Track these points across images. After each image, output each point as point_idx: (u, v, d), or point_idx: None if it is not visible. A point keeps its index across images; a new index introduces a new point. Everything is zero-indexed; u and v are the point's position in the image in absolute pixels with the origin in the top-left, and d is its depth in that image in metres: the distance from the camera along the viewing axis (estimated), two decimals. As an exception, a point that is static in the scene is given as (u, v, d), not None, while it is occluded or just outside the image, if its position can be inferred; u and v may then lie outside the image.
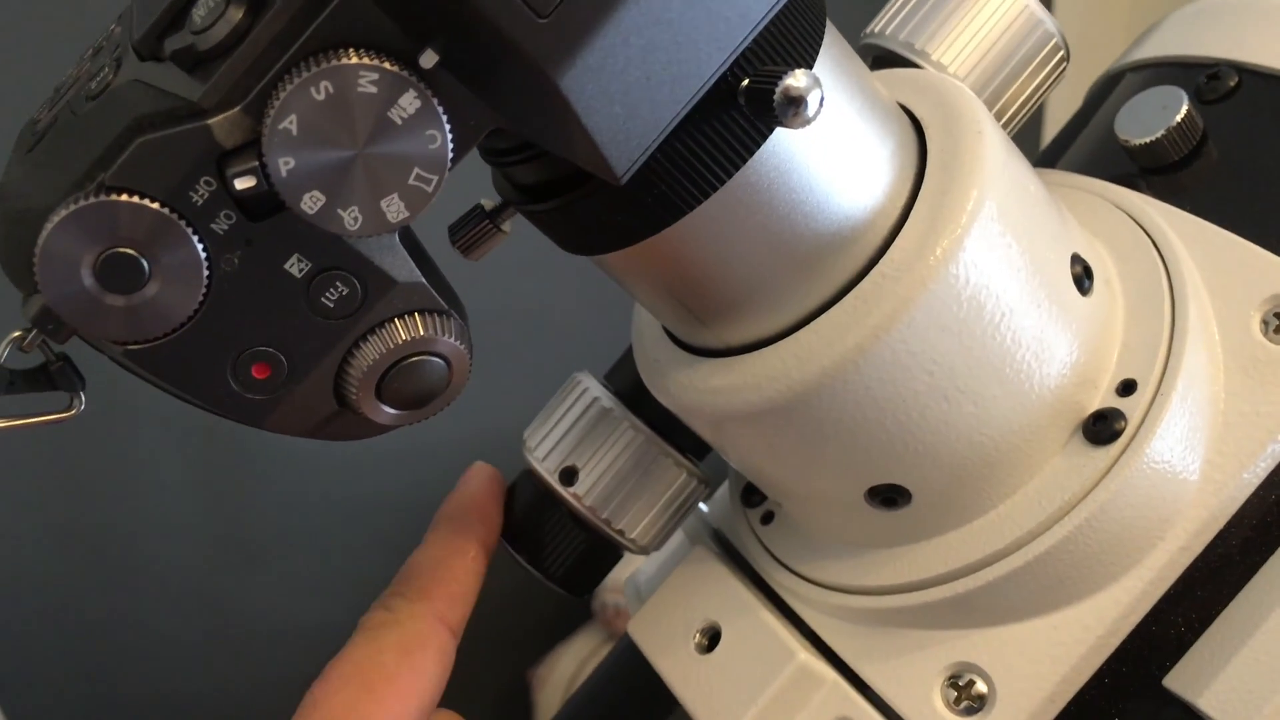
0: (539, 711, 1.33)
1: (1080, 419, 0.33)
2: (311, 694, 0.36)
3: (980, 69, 0.37)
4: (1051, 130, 0.40)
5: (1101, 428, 0.33)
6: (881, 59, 0.39)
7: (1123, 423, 0.33)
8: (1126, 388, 0.33)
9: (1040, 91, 0.39)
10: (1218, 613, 0.33)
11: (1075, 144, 0.44)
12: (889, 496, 0.34)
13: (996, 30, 0.37)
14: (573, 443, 0.40)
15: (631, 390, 0.40)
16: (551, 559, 0.41)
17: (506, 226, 0.35)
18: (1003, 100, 0.38)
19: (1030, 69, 0.38)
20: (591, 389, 0.41)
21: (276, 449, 1.16)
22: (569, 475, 0.40)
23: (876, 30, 0.39)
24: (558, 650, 1.34)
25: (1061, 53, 0.38)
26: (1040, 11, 0.37)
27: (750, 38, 0.27)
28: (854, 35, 0.39)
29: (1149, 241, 0.36)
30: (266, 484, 1.20)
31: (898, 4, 0.39)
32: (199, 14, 0.25)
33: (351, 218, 0.25)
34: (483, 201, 0.35)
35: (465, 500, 0.41)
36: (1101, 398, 0.34)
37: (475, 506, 0.41)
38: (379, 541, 1.21)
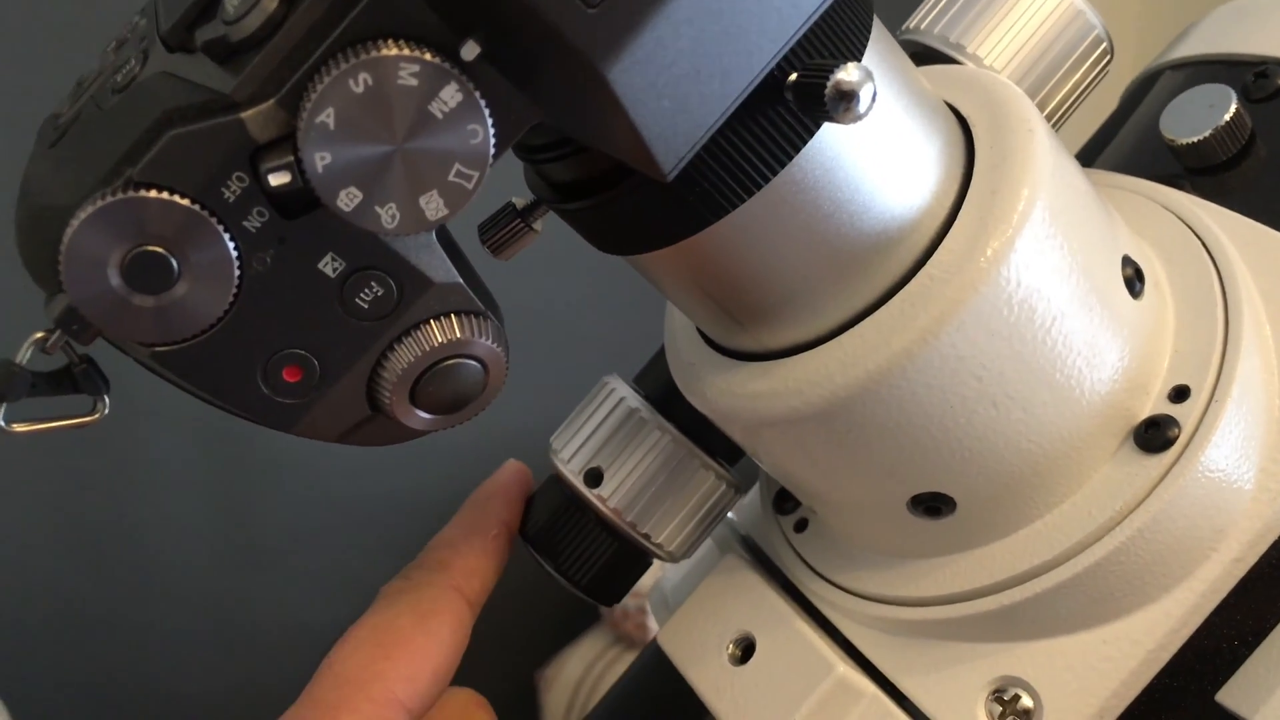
0: (546, 713, 1.32)
1: (1131, 426, 0.32)
2: (328, 657, 0.37)
3: (1026, 69, 0.36)
4: (1070, 130, 0.39)
5: (1154, 435, 0.32)
6: (919, 56, 0.38)
7: (1176, 430, 0.32)
8: (1179, 394, 0.32)
9: (1084, 88, 0.38)
10: (1272, 626, 0.32)
11: (1114, 143, 0.43)
12: (933, 505, 0.33)
13: (1043, 28, 0.36)
14: (599, 445, 0.39)
15: (662, 394, 0.39)
16: (579, 566, 0.40)
17: (538, 225, 0.34)
18: (1042, 95, 0.37)
19: (1070, 63, 0.37)
20: (620, 391, 0.40)
21: (286, 449, 1.15)
22: (594, 477, 0.39)
23: (916, 26, 0.38)
24: (565, 652, 1.34)
25: (1104, 45, 0.37)
26: (1088, 10, 0.36)
27: (804, 29, 0.26)
28: (890, 28, 0.38)
29: (1199, 243, 0.35)
30: (275, 484, 1.19)
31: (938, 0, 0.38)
32: (232, 4, 0.24)
33: (389, 215, 0.24)
34: (514, 199, 0.34)
35: (491, 486, 0.42)
36: (1153, 404, 0.33)
37: (500, 491, 0.41)
38: (389, 542, 1.20)
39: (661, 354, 0.39)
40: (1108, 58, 0.38)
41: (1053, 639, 0.33)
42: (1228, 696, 0.31)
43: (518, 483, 0.42)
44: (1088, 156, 0.44)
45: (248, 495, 1.19)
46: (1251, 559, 0.32)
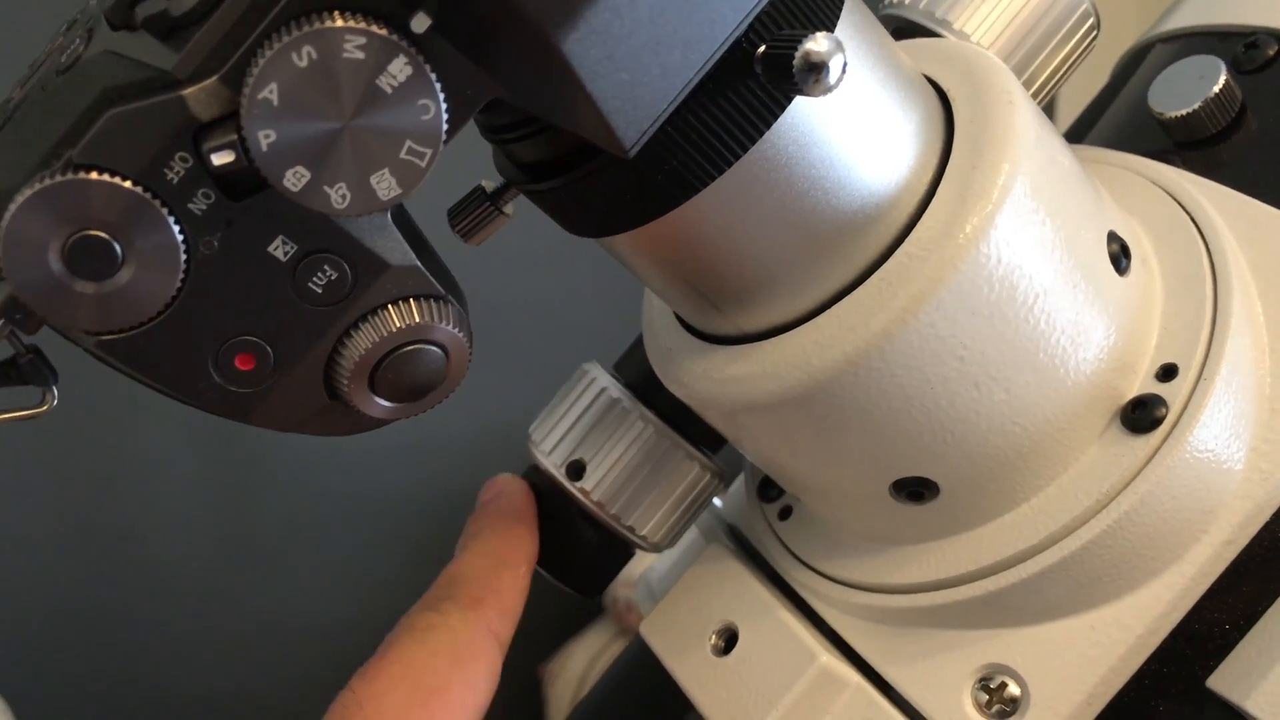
0: (550, 706, 1.32)
1: (1118, 406, 0.32)
2: (354, 694, 0.34)
3: (1006, 38, 0.36)
4: (1064, 106, 0.38)
5: (1141, 415, 0.31)
6: (902, 30, 0.37)
7: (1163, 410, 0.31)
8: (1167, 373, 0.32)
9: (1069, 63, 0.37)
10: (1264, 609, 0.31)
11: (1104, 118, 0.42)
12: (915, 490, 0.32)
13: (1032, 3, 0.35)
14: (580, 437, 0.39)
15: (642, 381, 0.39)
16: (560, 558, 0.39)
17: (509, 209, 0.33)
18: (1029, 71, 0.36)
19: (1058, 38, 0.37)
20: (600, 380, 0.39)
21: (285, 445, 1.15)
22: (576, 469, 0.38)
23: (899, 0, 0.37)
24: (569, 645, 1.33)
25: (1091, 20, 0.36)
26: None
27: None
28: (873, 6, 0.37)
29: (1187, 218, 0.34)
30: (275, 481, 1.19)
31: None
32: (172, -23, 0.23)
33: (339, 195, 0.24)
34: (484, 183, 0.33)
35: (509, 512, 0.39)
36: (1140, 383, 0.32)
37: (519, 520, 0.39)
38: (389, 538, 1.20)
39: (640, 340, 0.39)
40: (1094, 31, 0.37)
41: (1040, 625, 0.32)
42: (1219, 682, 0.31)
43: (528, 503, 0.40)
44: (1080, 131, 0.43)
45: (248, 492, 1.19)
46: (1243, 541, 0.31)
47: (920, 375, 0.30)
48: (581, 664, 1.32)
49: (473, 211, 0.33)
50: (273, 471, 1.19)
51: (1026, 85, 0.37)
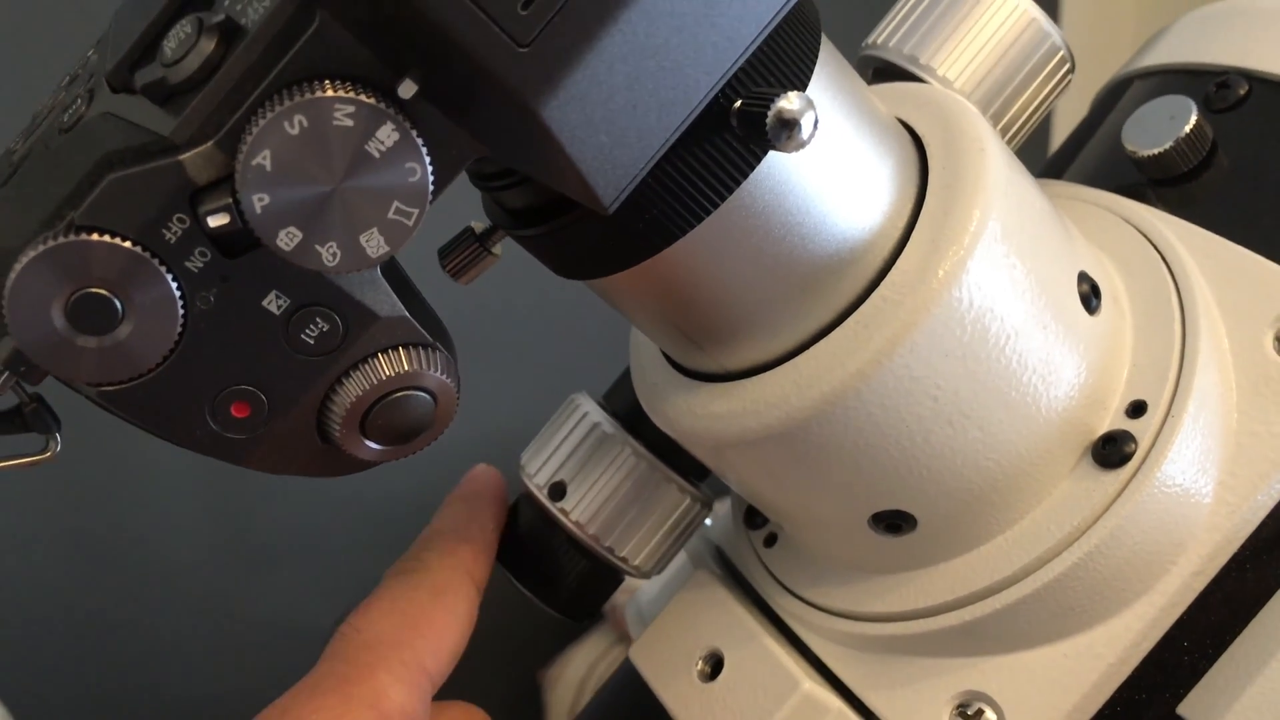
0: (549, 713, 1.32)
1: (1089, 442, 0.33)
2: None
3: (986, 84, 0.36)
4: (1060, 136, 0.39)
5: (1111, 451, 0.32)
6: (882, 70, 0.38)
7: (1133, 445, 0.32)
8: (1136, 409, 0.32)
9: (1045, 103, 0.38)
10: (1233, 638, 0.32)
11: (1082, 153, 0.43)
12: (893, 522, 0.33)
13: (1002, 43, 0.36)
14: (564, 460, 0.40)
15: (630, 412, 0.39)
16: (551, 584, 0.40)
17: (497, 249, 0.34)
18: (1009, 114, 0.37)
19: (1037, 82, 0.37)
20: (589, 411, 0.40)
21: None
22: (559, 491, 0.39)
23: (877, 41, 0.38)
24: (569, 651, 1.33)
25: (1068, 65, 0.37)
26: (1046, 23, 0.36)
27: (741, 61, 0.26)
28: (853, 42, 0.38)
29: (1158, 256, 0.35)
30: (272, 486, 1.19)
31: (899, 15, 0.38)
32: (170, 45, 0.24)
33: (330, 254, 0.25)
34: (473, 224, 0.34)
35: (475, 485, 0.43)
36: (1111, 419, 0.33)
37: (486, 489, 0.42)
38: (385, 543, 1.20)
39: (628, 372, 0.39)
40: (1066, 68, 0.38)
41: (1015, 653, 0.33)
42: (1190, 709, 0.32)
43: (495, 483, 0.43)
44: (1058, 164, 0.44)
45: (244, 497, 1.19)
46: (1211, 571, 0.32)
47: (896, 414, 0.31)
48: (580, 669, 1.32)
49: (462, 252, 0.34)
50: (269, 477, 1.19)
51: (1006, 126, 0.38)
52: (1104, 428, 0.33)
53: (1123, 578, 0.32)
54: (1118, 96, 0.43)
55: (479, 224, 0.34)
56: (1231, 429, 0.32)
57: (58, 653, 1.14)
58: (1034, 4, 0.37)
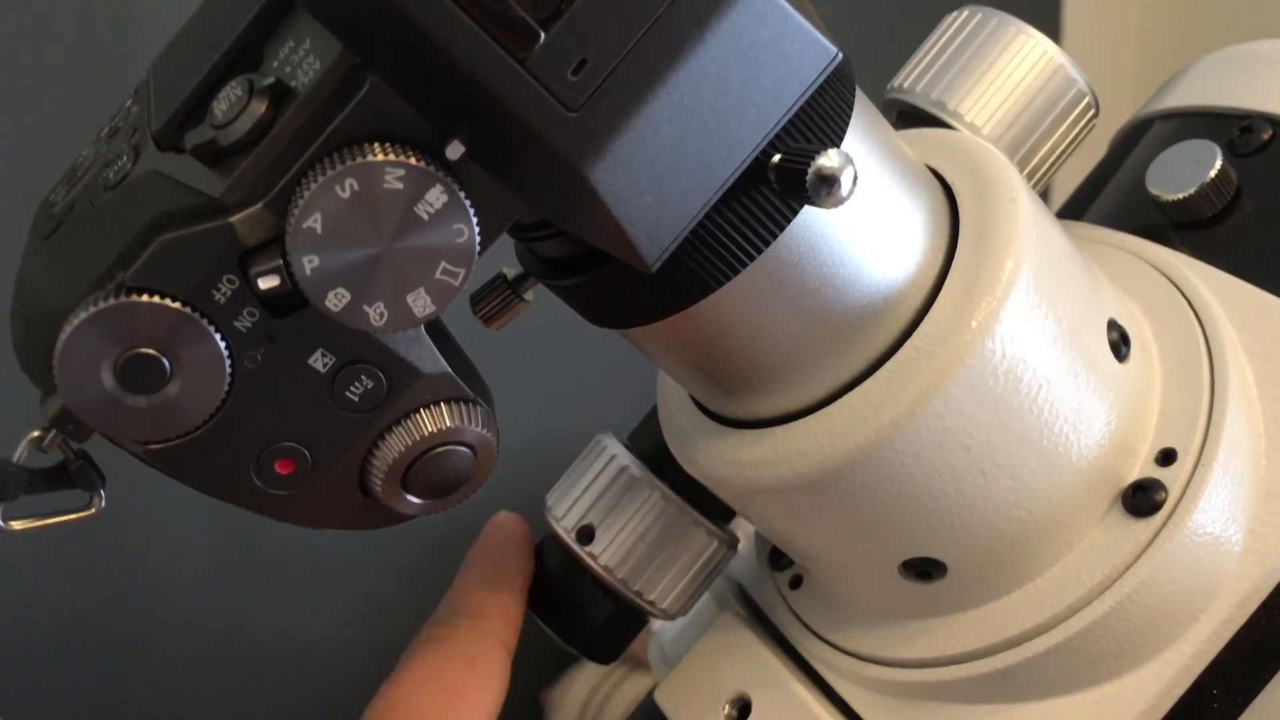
0: (553, 733, 1.32)
1: (1119, 490, 0.33)
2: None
3: (1013, 130, 0.37)
4: (1061, 176, 0.39)
5: (1141, 499, 0.32)
6: (907, 114, 0.38)
7: (1163, 494, 0.32)
8: (1166, 457, 0.33)
9: (1070, 148, 0.38)
10: (1262, 685, 0.32)
11: (1103, 194, 0.43)
12: (924, 570, 0.33)
13: (1030, 89, 0.37)
14: (592, 503, 0.40)
15: (655, 453, 0.40)
16: (578, 626, 0.40)
17: (529, 296, 0.34)
18: (1035, 160, 0.37)
19: (1063, 128, 0.38)
20: (616, 454, 0.40)
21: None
22: (586, 534, 0.39)
23: (903, 85, 0.38)
24: (571, 672, 1.34)
25: (1093, 110, 0.37)
26: (1073, 69, 0.37)
27: (784, 120, 0.26)
28: (877, 82, 0.38)
29: (1185, 302, 0.35)
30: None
31: (925, 59, 0.38)
32: (220, 107, 0.25)
33: (377, 314, 0.25)
34: (505, 270, 0.34)
35: (500, 541, 0.42)
36: (1141, 468, 0.33)
37: (512, 545, 0.42)
38: (390, 564, 1.20)
39: (654, 412, 0.40)
40: (1092, 112, 0.38)
41: (1045, 701, 0.33)
42: (1219, 757, 0.32)
43: (519, 534, 0.42)
44: (1079, 205, 0.44)
45: (252, 518, 1.19)
46: (1240, 619, 0.32)
47: (929, 464, 0.31)
48: (584, 691, 1.32)
49: (495, 298, 0.34)
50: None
51: (1024, 166, 0.38)
52: (1134, 476, 0.33)
53: (1153, 626, 0.32)
54: (1138, 137, 0.44)
55: (511, 270, 0.34)
56: (1260, 476, 0.33)
57: (62, 672, 1.14)
58: (1059, 49, 0.37)
